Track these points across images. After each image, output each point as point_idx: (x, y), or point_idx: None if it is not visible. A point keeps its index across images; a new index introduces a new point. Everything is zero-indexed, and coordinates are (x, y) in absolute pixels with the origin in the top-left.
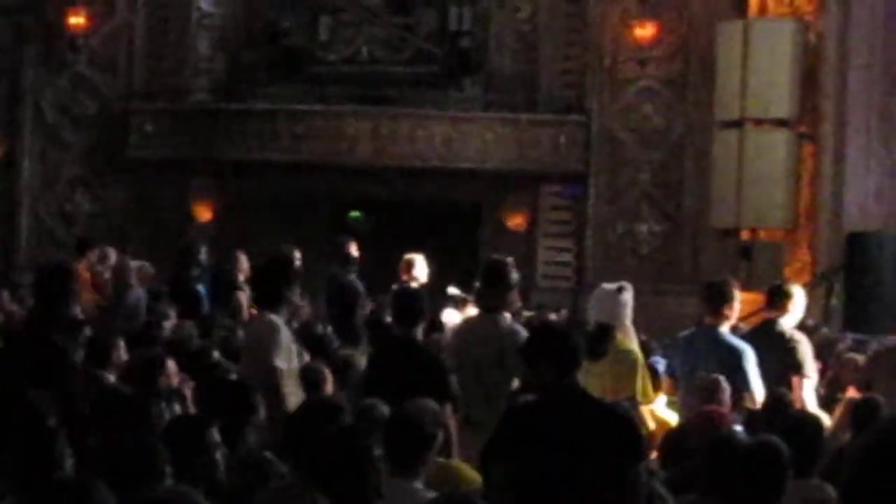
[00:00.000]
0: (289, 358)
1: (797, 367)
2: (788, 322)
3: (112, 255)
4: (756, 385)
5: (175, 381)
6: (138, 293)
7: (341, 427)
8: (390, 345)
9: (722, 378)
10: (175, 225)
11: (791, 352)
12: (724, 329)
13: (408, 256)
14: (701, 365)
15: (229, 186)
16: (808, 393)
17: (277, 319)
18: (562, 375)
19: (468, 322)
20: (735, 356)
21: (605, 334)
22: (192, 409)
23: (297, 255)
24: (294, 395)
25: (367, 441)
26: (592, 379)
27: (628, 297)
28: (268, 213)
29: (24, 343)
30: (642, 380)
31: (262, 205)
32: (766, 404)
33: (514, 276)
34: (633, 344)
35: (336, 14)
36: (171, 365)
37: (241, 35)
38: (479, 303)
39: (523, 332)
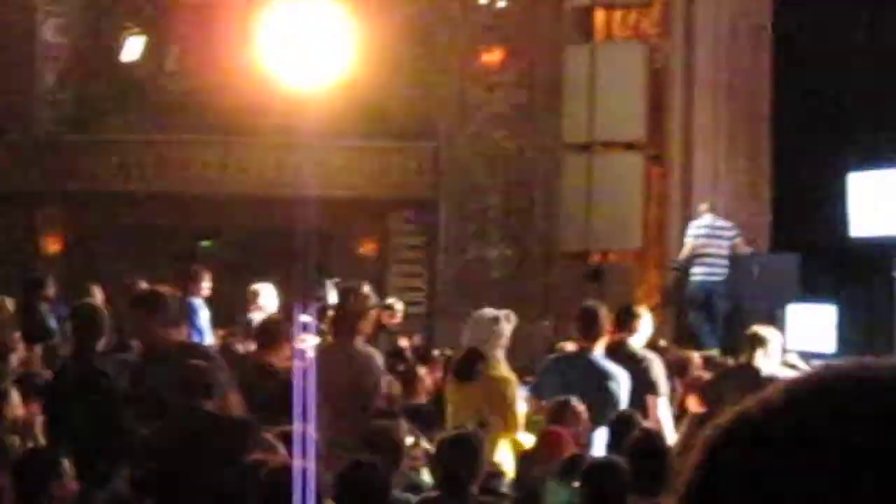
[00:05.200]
0: None
1: (651, 387)
2: (638, 342)
3: None
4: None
5: (21, 412)
6: None
7: None
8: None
9: (574, 399)
10: (23, 258)
11: (644, 372)
12: (598, 353)
13: (254, 286)
14: (576, 389)
15: (77, 218)
16: (663, 412)
17: None
18: None
19: (321, 349)
20: (611, 380)
21: (475, 359)
22: (40, 441)
23: (145, 286)
24: None
25: None
26: (463, 402)
27: (505, 326)
28: (117, 244)
29: None
30: (510, 406)
31: (111, 236)
32: (614, 425)
33: (368, 301)
34: (506, 371)
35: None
36: (15, 396)
37: (87, 66)
38: (331, 329)
39: (377, 356)
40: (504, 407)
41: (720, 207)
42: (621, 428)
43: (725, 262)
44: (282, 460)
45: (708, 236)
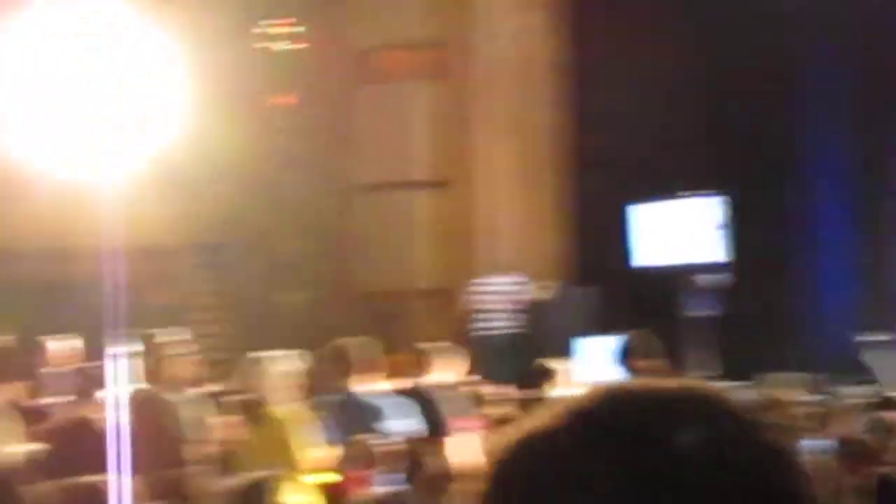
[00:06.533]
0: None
1: (442, 425)
2: (433, 380)
3: None
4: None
5: None
6: None
7: None
8: None
9: (366, 439)
10: None
11: (436, 410)
12: (358, 389)
13: (43, 339)
14: (342, 427)
15: None
16: (454, 449)
17: None
18: None
19: (131, 398)
20: (373, 413)
21: (259, 403)
22: None
23: None
24: None
25: None
26: (251, 445)
27: (281, 366)
28: None
29: None
30: (298, 449)
31: None
32: (402, 456)
33: (177, 348)
34: (289, 413)
35: None
36: None
37: None
38: (140, 378)
39: (187, 403)
40: (289, 449)
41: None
42: (413, 462)
43: (510, 316)
44: None
45: (491, 293)
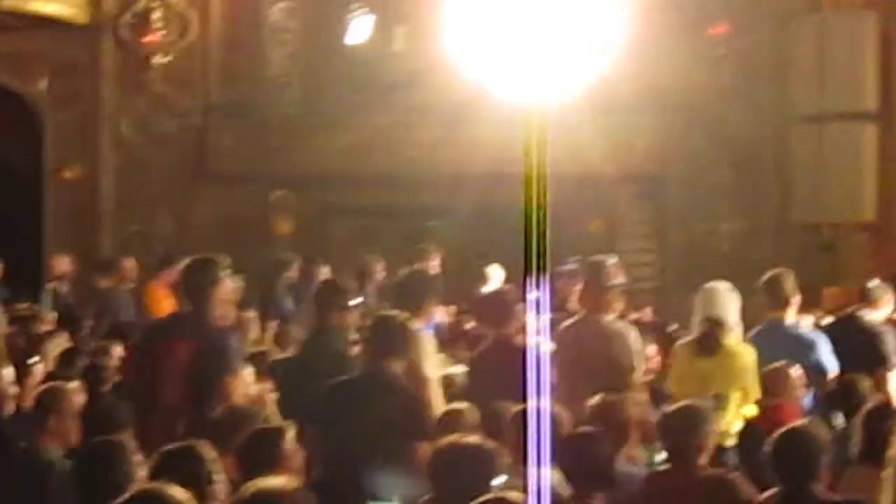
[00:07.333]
0: (435, 366)
1: (882, 360)
2: (876, 316)
3: None
4: (833, 371)
5: (254, 390)
6: None
7: None
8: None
9: (789, 366)
10: (256, 239)
11: (876, 344)
12: (791, 321)
13: (486, 269)
14: (774, 359)
15: (307, 199)
16: (894, 385)
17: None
18: None
19: (572, 324)
20: (805, 346)
21: (719, 331)
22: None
23: (381, 266)
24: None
25: None
26: (703, 375)
27: (736, 296)
28: (346, 224)
29: None
30: (741, 379)
31: (342, 217)
32: (837, 390)
33: (618, 275)
34: (734, 343)
35: (411, 23)
36: (247, 374)
37: (315, 48)
38: (581, 304)
39: (632, 332)
40: (745, 379)
41: None
42: (845, 392)
43: None
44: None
45: None
